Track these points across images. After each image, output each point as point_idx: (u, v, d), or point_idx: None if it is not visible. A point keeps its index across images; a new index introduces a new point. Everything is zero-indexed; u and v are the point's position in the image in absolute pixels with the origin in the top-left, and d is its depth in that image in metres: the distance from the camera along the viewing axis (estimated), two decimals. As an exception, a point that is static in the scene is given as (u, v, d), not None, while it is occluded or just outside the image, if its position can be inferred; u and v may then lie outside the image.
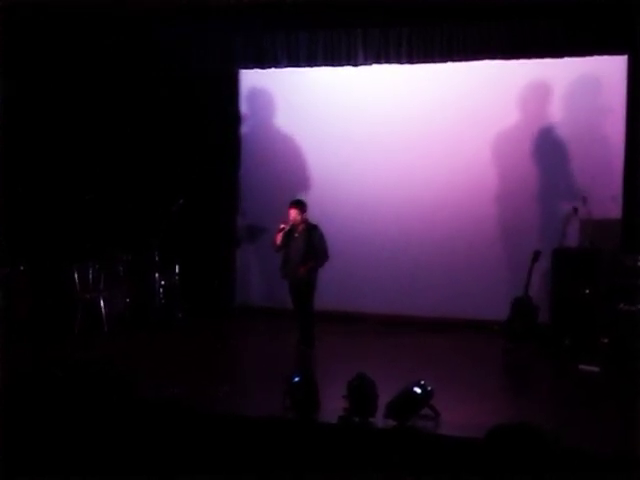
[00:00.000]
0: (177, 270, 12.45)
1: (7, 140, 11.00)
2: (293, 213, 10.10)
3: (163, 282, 12.32)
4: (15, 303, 11.38)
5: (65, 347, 10.34)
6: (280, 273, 10.42)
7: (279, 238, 10.12)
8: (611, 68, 11.10)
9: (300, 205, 10.18)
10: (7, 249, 11.23)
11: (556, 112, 11.47)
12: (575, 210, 11.03)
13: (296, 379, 7.58)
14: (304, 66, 12.18)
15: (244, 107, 12.92)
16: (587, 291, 10.24)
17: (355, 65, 11.95)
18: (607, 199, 11.04)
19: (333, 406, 7.35)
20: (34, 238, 11.84)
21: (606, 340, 9.88)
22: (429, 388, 7.46)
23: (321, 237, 10.16)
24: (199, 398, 7.97)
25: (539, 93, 11.52)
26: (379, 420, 7.22)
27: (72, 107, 12.35)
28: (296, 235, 10.15)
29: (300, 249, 10.10)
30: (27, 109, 11.99)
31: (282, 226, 10.08)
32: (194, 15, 11.62)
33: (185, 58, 12.28)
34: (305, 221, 10.17)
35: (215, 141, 12.73)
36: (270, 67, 12.33)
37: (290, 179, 12.41)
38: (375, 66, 11.90)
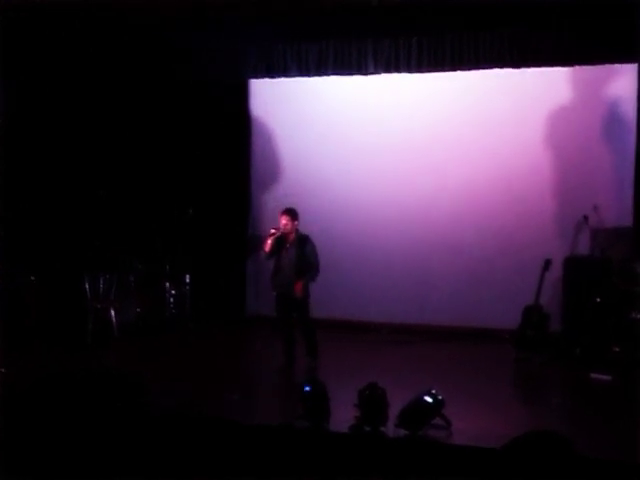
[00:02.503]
0: (188, 280, 12.49)
1: (17, 150, 11.04)
2: (284, 220, 9.86)
3: (174, 292, 12.38)
4: (26, 313, 11.40)
5: (76, 356, 10.35)
6: (270, 284, 10.22)
7: (269, 244, 9.88)
8: (623, 76, 11.10)
9: (291, 213, 9.94)
10: (18, 259, 11.25)
11: (567, 121, 11.46)
12: (586, 218, 11.03)
13: (307, 388, 7.57)
14: (314, 76, 12.21)
15: (254, 117, 12.95)
16: (598, 299, 10.21)
17: (365, 74, 11.98)
18: (618, 207, 11.03)
19: (344, 415, 7.33)
20: (45, 248, 11.86)
21: (617, 349, 9.83)
22: (440, 397, 7.44)
23: (313, 249, 9.96)
24: (210, 406, 7.98)
25: (549, 102, 11.52)
26: (390, 429, 7.19)
27: (83, 118, 12.35)
28: (287, 245, 9.95)
29: (292, 261, 9.90)
30: (36, 120, 12.00)
31: (272, 230, 9.86)
32: (205, 25, 11.65)
33: (196, 68, 12.31)
34: (296, 230, 9.99)
35: (225, 151, 12.76)
36: (280, 77, 12.36)
37: (300, 189, 12.40)
38: (384, 75, 11.92)
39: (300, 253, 9.90)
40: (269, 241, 9.89)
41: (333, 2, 10.82)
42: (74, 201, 12.32)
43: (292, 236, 9.95)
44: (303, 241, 9.96)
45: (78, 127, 12.35)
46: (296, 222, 9.95)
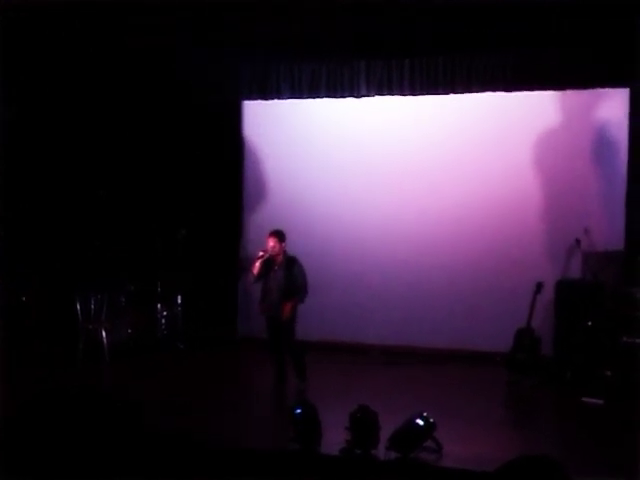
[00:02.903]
0: (179, 301, 12.46)
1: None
2: (272, 242, 9.86)
3: (165, 313, 12.36)
4: (17, 334, 11.36)
5: (66, 377, 10.30)
6: (259, 307, 10.20)
7: (256, 267, 9.87)
8: (612, 100, 11.16)
9: (279, 235, 9.95)
10: (10, 280, 11.23)
11: (558, 144, 11.49)
12: (577, 242, 11.05)
13: (298, 410, 7.56)
14: (307, 97, 12.22)
15: (247, 138, 12.96)
16: (590, 323, 10.22)
17: (357, 97, 11.99)
18: (609, 231, 11.05)
19: (335, 437, 7.32)
20: (36, 269, 11.84)
21: (609, 372, 9.82)
22: (431, 420, 7.43)
23: (301, 270, 9.94)
24: (201, 428, 7.95)
25: (540, 125, 11.56)
26: (381, 452, 7.18)
27: (75, 135, 12.31)
28: (275, 268, 9.95)
29: (280, 283, 9.89)
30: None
31: (261, 253, 9.86)
32: (200, 46, 11.64)
33: (191, 90, 12.29)
34: (284, 252, 10.00)
35: (218, 172, 12.77)
36: (273, 98, 12.37)
37: (293, 210, 12.42)
38: (377, 97, 11.94)
39: (288, 275, 9.90)
40: (257, 264, 9.90)
41: (326, 25, 10.84)
42: (66, 221, 12.28)
43: (280, 258, 9.95)
44: (291, 263, 9.96)
45: (70, 145, 12.30)
46: (283, 244, 9.96)
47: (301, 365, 10.05)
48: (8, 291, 11.21)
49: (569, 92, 11.25)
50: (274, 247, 9.87)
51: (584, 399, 9.46)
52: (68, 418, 6.87)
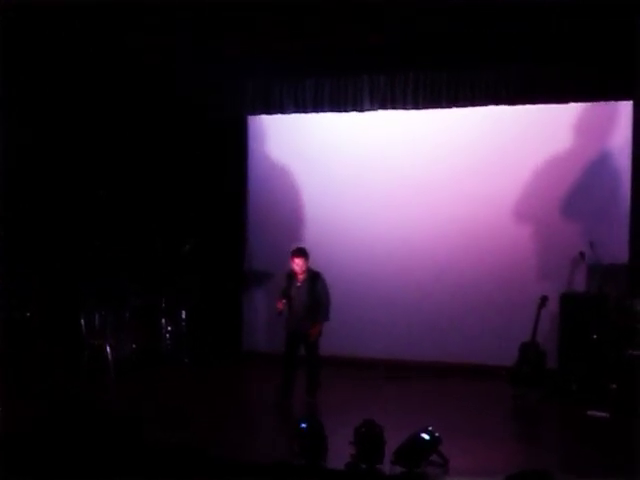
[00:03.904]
0: (184, 316, 12.45)
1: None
2: (300, 262, 9.89)
3: (170, 327, 12.34)
4: (21, 349, 11.34)
5: (71, 393, 10.29)
6: (284, 325, 10.18)
7: (281, 305, 9.87)
8: (617, 113, 11.17)
9: (303, 252, 9.99)
10: (14, 294, 11.22)
11: (562, 157, 11.49)
12: (582, 255, 11.03)
13: (303, 425, 7.55)
14: (310, 112, 12.23)
15: (251, 153, 12.98)
16: (595, 336, 10.21)
17: (361, 111, 11.99)
18: (614, 244, 11.04)
19: (341, 452, 7.30)
20: (40, 284, 11.82)
21: (614, 386, 9.80)
22: (437, 434, 7.42)
23: (324, 286, 10.00)
24: (206, 442, 7.95)
25: (544, 138, 11.55)
26: (387, 467, 7.17)
27: (79, 149, 12.25)
28: (298, 285, 9.97)
29: (303, 299, 9.92)
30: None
31: (284, 301, 9.86)
32: (203, 63, 11.66)
33: (195, 104, 12.32)
34: (307, 269, 10.03)
35: (222, 187, 12.78)
36: (277, 113, 12.39)
37: (296, 225, 12.45)
38: (380, 111, 11.96)
39: (311, 290, 9.94)
40: (280, 305, 9.88)
41: (329, 39, 10.86)
42: (70, 235, 12.25)
43: (303, 275, 9.99)
44: (315, 278, 10.01)
45: (75, 157, 12.24)
46: (308, 260, 9.99)
47: (317, 381, 10.07)
48: (10, 305, 11.18)
49: (573, 105, 11.24)
50: (302, 266, 9.92)
51: (589, 412, 9.45)
52: (68, 434, 6.89)
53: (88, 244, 12.25)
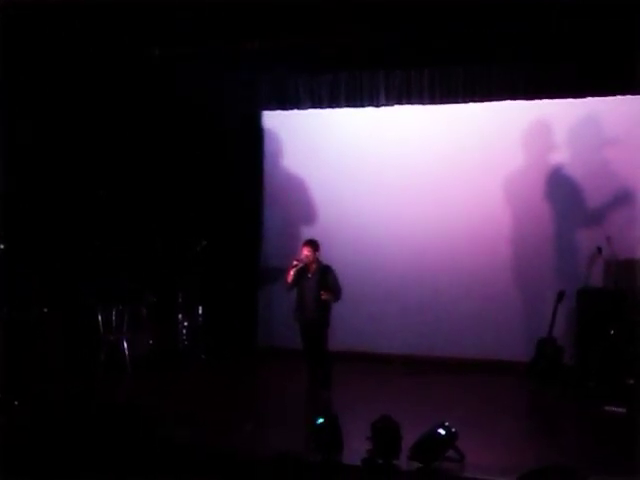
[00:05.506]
0: (200, 311, 12.48)
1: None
2: (306, 251, 9.99)
3: (186, 323, 12.38)
4: (39, 346, 11.36)
5: (88, 389, 10.33)
6: (293, 316, 10.26)
7: (290, 275, 10.01)
8: (635, 107, 11.09)
9: (313, 244, 10.09)
10: (32, 292, 11.23)
11: (580, 151, 11.44)
12: (599, 250, 10.99)
13: (320, 420, 7.55)
14: (326, 107, 12.24)
15: (267, 149, 12.99)
16: (612, 332, 10.18)
17: (377, 106, 12.00)
18: (631, 239, 10.99)
19: (357, 448, 7.30)
20: (58, 281, 11.83)
21: (632, 381, 9.77)
22: (453, 430, 7.40)
23: (335, 278, 10.05)
24: (223, 438, 7.96)
25: (561, 131, 11.50)
26: (403, 462, 7.16)
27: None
28: (309, 276, 10.05)
29: (313, 291, 9.98)
30: (44, 148, 11.91)
31: (295, 262, 9.98)
32: (218, 58, 11.66)
33: (211, 99, 12.32)
34: (317, 261, 10.11)
35: (238, 183, 12.79)
36: (292, 109, 12.41)
37: (312, 221, 12.45)
38: (397, 107, 11.95)
39: (322, 283, 9.97)
40: (291, 272, 10.00)
41: (345, 35, 10.85)
42: (88, 232, 12.26)
43: (313, 266, 10.05)
44: (325, 271, 10.06)
45: (91, 160, 12.28)
46: (317, 253, 10.07)
47: (328, 374, 10.08)
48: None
49: (590, 99, 11.19)
50: (309, 256, 9.99)
51: (607, 408, 9.40)
52: (88, 433, 6.91)
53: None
